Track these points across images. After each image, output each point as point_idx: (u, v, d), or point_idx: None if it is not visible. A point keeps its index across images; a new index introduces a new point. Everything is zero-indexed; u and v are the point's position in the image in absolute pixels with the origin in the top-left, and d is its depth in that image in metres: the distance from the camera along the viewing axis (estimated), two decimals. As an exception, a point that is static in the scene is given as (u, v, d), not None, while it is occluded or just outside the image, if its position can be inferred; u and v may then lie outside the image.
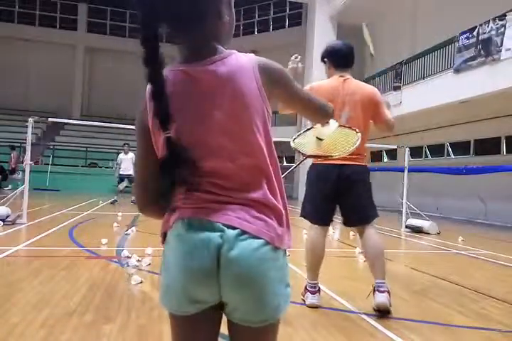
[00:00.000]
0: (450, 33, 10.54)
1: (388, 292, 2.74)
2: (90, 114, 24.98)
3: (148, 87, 0.95)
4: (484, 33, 9.14)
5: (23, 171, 7.01)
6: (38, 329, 2.26)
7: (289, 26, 23.73)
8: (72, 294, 2.93)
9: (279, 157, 1.02)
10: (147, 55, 0.89)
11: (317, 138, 2.11)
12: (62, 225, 6.52)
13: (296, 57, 1.59)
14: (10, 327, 2.27)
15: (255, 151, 0.96)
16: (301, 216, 3.03)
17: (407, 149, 8.40)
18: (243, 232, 0.90)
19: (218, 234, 0.90)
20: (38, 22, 25.14)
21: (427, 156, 14.69)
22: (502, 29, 8.63)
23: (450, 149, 13.64)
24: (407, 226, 7.91)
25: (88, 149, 20.03)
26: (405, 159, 8.24)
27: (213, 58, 0.96)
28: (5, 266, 3.76)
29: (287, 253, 1.02)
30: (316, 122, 1.29)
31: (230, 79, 0.94)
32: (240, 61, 0.97)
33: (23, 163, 8.32)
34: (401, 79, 12.62)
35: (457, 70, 9.83)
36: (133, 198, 9.04)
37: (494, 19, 8.86)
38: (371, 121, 2.96)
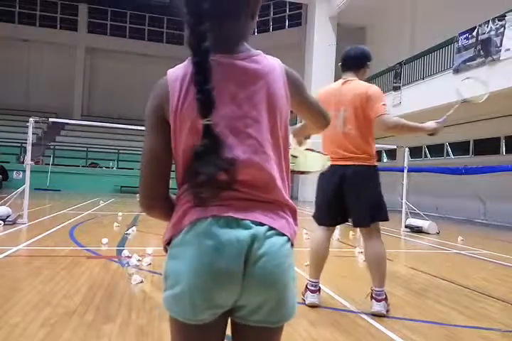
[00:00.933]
0: (449, 34, 10.54)
1: (386, 299, 2.77)
2: (91, 114, 25.01)
3: (179, 74, 0.94)
4: (484, 34, 9.14)
5: (24, 171, 7.01)
6: (38, 329, 2.27)
7: (289, 26, 23.76)
8: (73, 294, 2.94)
9: None
10: (196, 43, 0.87)
11: (292, 155, 2.17)
12: (62, 225, 6.53)
13: None
14: (10, 327, 2.28)
15: (276, 148, 0.98)
16: (312, 216, 3.07)
17: (407, 149, 8.42)
18: (271, 229, 0.91)
19: (247, 231, 0.88)
20: (39, 22, 25.17)
21: (426, 156, 14.70)
22: (501, 29, 8.64)
23: (449, 149, 13.65)
24: (406, 226, 7.92)
25: (89, 149, 20.05)
26: (405, 159, 8.26)
27: (244, 54, 0.97)
28: (5, 266, 3.77)
29: None
30: (316, 129, 1.32)
31: (262, 77, 0.96)
32: (271, 62, 1.00)
33: (23, 163, 8.32)
34: (401, 79, 12.62)
35: (457, 70, 9.83)
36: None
37: (494, 20, 8.87)
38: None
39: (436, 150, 14.09)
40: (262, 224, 0.90)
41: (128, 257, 4.14)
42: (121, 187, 17.88)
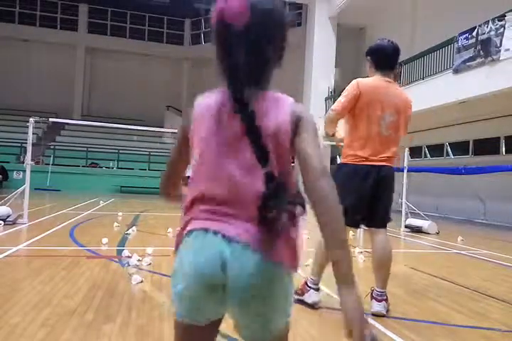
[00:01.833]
0: (449, 34, 10.54)
1: (386, 299, 2.78)
2: (91, 114, 25.00)
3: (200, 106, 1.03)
4: (483, 34, 9.14)
5: (24, 171, 7.02)
6: (38, 329, 2.27)
7: (289, 26, 23.74)
8: (73, 294, 2.94)
9: None
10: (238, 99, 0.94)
11: None
12: (62, 225, 6.53)
13: None
14: (10, 327, 2.28)
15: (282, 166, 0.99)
16: None
17: (407, 149, 8.42)
18: (251, 245, 0.93)
19: (227, 246, 0.92)
20: (39, 22, 25.15)
21: (426, 156, 14.70)
22: (501, 29, 8.63)
23: (449, 149, 13.65)
24: (406, 226, 7.92)
25: (89, 149, 20.04)
26: (404, 159, 8.26)
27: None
28: (5, 266, 3.77)
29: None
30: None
31: (266, 114, 0.97)
32: (277, 99, 1.01)
33: (23, 163, 8.32)
34: (400, 79, 12.62)
35: (456, 71, 9.82)
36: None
37: (493, 20, 8.86)
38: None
39: (436, 150, 14.09)
40: (243, 241, 0.93)
41: (128, 257, 4.13)
42: (121, 187, 17.87)
